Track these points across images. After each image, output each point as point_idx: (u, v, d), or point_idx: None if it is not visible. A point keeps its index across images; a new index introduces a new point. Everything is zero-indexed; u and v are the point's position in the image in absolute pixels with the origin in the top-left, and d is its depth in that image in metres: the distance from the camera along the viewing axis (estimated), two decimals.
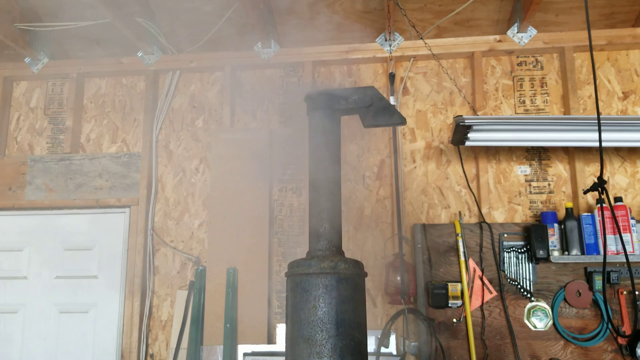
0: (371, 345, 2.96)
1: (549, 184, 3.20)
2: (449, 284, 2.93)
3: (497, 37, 3.31)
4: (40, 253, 3.47)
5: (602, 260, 2.02)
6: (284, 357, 2.98)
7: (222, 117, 3.49)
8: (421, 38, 3.31)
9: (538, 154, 3.24)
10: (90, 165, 3.52)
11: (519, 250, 2.99)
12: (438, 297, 2.90)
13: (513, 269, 2.98)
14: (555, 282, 2.94)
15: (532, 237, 2.89)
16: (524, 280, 2.95)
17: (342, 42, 3.44)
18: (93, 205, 3.46)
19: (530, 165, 3.23)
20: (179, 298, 3.27)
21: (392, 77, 3.36)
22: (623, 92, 3.26)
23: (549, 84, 3.32)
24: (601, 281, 2.82)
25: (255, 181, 3.27)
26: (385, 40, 3.38)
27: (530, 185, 3.20)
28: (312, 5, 3.25)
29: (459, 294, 2.92)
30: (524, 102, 3.32)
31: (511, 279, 2.97)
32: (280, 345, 3.08)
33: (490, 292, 2.96)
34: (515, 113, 3.31)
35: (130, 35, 3.33)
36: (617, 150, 3.18)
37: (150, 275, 3.34)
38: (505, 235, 3.02)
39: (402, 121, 2.35)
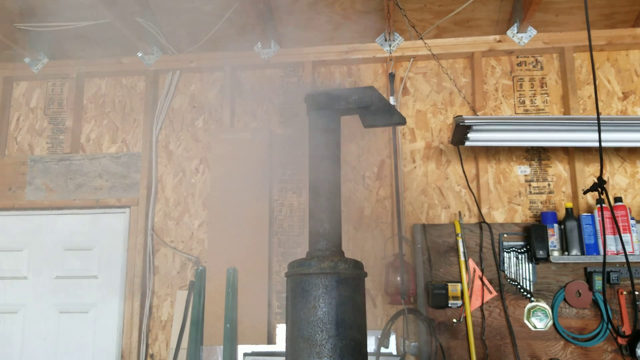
0: (371, 346, 2.96)
1: (549, 184, 3.20)
2: (449, 284, 2.93)
3: (497, 37, 3.31)
4: (40, 253, 3.47)
5: (602, 261, 2.02)
6: (284, 357, 2.98)
7: (222, 117, 3.49)
8: (421, 38, 3.31)
9: (538, 154, 3.24)
10: (90, 166, 3.52)
11: (519, 251, 2.99)
12: (438, 297, 2.90)
13: (513, 269, 2.98)
14: (555, 282, 2.94)
15: (532, 237, 2.89)
16: (524, 280, 2.95)
17: (342, 42, 3.44)
18: (93, 206, 3.46)
19: (530, 165, 3.23)
20: (179, 298, 3.27)
21: (392, 77, 3.36)
22: (623, 93, 3.26)
23: (549, 84, 3.32)
24: (601, 281, 2.83)
25: (255, 181, 3.27)
26: (385, 40, 3.38)
27: (530, 185, 3.21)
28: (312, 5, 3.25)
29: (459, 294, 2.92)
30: (523, 102, 3.32)
31: (511, 279, 2.97)
32: (280, 345, 3.08)
33: (490, 292, 2.96)
34: (515, 113, 3.31)
35: (130, 35, 3.34)
36: (617, 151, 3.18)
37: (150, 276, 3.34)
38: (505, 235, 3.02)
39: (402, 121, 2.35)
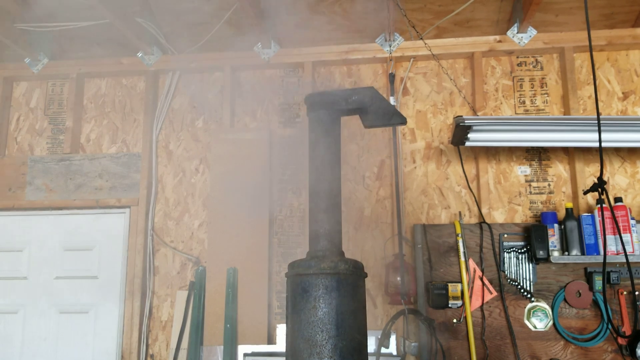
0: (371, 346, 2.96)
1: (549, 185, 3.20)
2: (449, 284, 2.93)
3: (497, 37, 3.31)
4: (40, 253, 3.47)
5: (602, 261, 2.02)
6: (284, 358, 2.98)
7: (222, 117, 3.49)
8: (421, 38, 3.31)
9: (538, 155, 3.24)
10: (90, 166, 3.52)
11: (519, 251, 2.99)
12: (438, 297, 2.90)
13: (513, 269, 2.98)
14: (555, 283, 2.94)
15: (532, 237, 2.89)
16: (524, 280, 2.95)
17: (342, 43, 3.44)
18: (93, 206, 3.46)
19: (530, 165, 3.23)
20: (179, 298, 3.27)
21: (392, 77, 3.36)
22: (623, 93, 3.26)
23: (549, 84, 3.32)
24: (601, 281, 2.82)
25: (255, 181, 3.27)
26: (385, 40, 3.38)
27: (530, 185, 3.20)
28: (312, 5, 3.25)
29: (459, 295, 2.92)
30: (524, 102, 3.32)
31: (511, 279, 2.97)
32: (280, 345, 3.08)
33: (491, 293, 2.96)
34: (515, 113, 3.31)
35: (130, 36, 3.33)
36: (617, 151, 3.18)
37: (150, 276, 3.34)
38: (506, 235, 3.02)
39: (403, 121, 2.34)
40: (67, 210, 3.49)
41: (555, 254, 2.90)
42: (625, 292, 2.87)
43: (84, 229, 3.47)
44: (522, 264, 2.98)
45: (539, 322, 2.91)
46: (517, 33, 3.26)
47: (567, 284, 2.92)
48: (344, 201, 3.05)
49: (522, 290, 2.94)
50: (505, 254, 3.00)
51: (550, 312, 2.91)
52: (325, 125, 2.21)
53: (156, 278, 3.36)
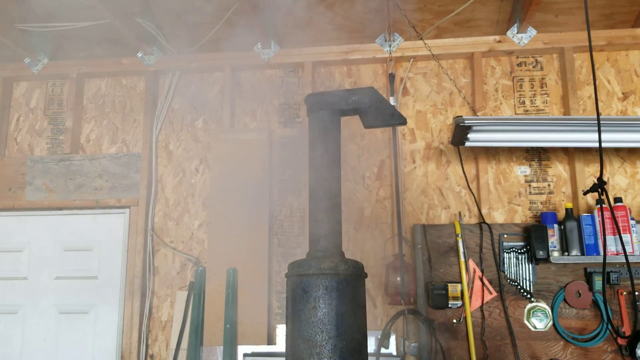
0: (371, 346, 2.96)
1: (549, 185, 3.20)
2: (449, 284, 2.93)
3: (497, 37, 3.31)
4: (40, 253, 3.47)
5: (602, 261, 2.02)
6: (284, 358, 2.98)
7: (222, 117, 3.49)
8: (421, 39, 3.31)
9: (538, 155, 3.24)
10: (90, 166, 3.52)
11: (519, 251, 2.99)
12: (438, 297, 2.90)
13: (513, 269, 2.98)
14: (555, 283, 2.94)
15: (532, 237, 2.89)
16: (524, 280, 2.95)
17: (342, 43, 3.44)
18: (93, 206, 3.46)
19: (530, 165, 3.23)
20: (179, 299, 3.27)
21: (392, 77, 3.36)
22: (623, 93, 3.26)
23: (549, 85, 3.32)
24: (601, 282, 2.83)
25: (255, 181, 3.27)
26: (385, 40, 3.38)
27: (530, 185, 3.21)
28: (312, 5, 3.25)
29: (459, 295, 2.92)
30: (523, 102, 3.32)
31: (511, 280, 2.97)
32: (280, 346, 3.08)
33: (490, 293, 2.96)
34: (515, 114, 3.31)
35: (130, 36, 3.34)
36: (617, 151, 3.18)
37: (150, 276, 3.34)
38: (505, 235, 3.02)
39: (403, 121, 2.34)
40: (67, 210, 3.49)
41: (555, 254, 2.90)
42: (625, 293, 2.87)
43: (83, 229, 3.47)
44: (522, 264, 2.98)
45: (539, 323, 2.91)
46: (517, 33, 3.26)
47: (567, 284, 2.92)
48: (344, 201, 3.06)
49: (522, 291, 2.95)
50: (505, 254, 3.00)
51: (550, 313, 2.91)
52: (325, 125, 2.21)
53: (156, 278, 3.36)
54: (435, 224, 3.18)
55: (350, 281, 1.95)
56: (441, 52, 3.34)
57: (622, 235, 2.83)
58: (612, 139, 2.86)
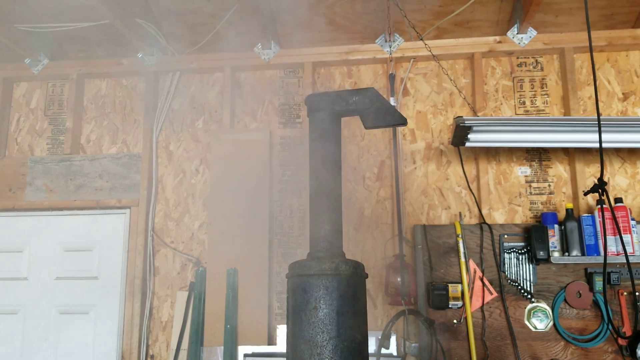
0: (372, 347, 2.96)
1: (549, 185, 3.20)
2: (450, 285, 2.93)
3: (497, 38, 3.31)
4: (41, 254, 3.47)
5: (603, 261, 2.02)
6: (284, 359, 2.98)
7: (222, 118, 3.49)
8: (421, 39, 3.31)
9: (538, 155, 3.24)
10: (90, 166, 3.52)
11: (520, 251, 2.99)
12: (438, 298, 2.90)
13: (513, 269, 2.98)
14: (555, 283, 2.94)
15: (533, 238, 2.89)
16: (525, 281, 2.95)
17: (342, 43, 3.44)
18: (93, 206, 3.46)
19: (531, 166, 3.23)
20: (179, 299, 3.26)
21: (392, 78, 3.36)
22: (623, 93, 3.26)
23: (549, 85, 3.32)
24: (601, 282, 2.83)
25: (255, 182, 3.27)
26: (385, 41, 3.38)
27: (530, 186, 3.21)
28: (312, 6, 3.25)
29: (460, 295, 2.92)
30: (524, 103, 3.32)
31: (511, 280, 2.97)
32: (280, 346, 3.08)
33: (491, 293, 2.96)
34: (516, 114, 3.31)
35: (131, 36, 3.34)
36: (617, 151, 3.18)
37: (150, 276, 3.34)
38: (506, 236, 3.02)
39: (403, 122, 2.34)
40: (68, 210, 3.49)
41: (556, 254, 2.90)
42: (625, 293, 2.87)
43: (84, 230, 3.47)
44: (522, 264, 2.98)
45: (539, 323, 2.91)
46: (517, 34, 3.26)
47: (568, 284, 2.92)
48: (344, 202, 3.05)
49: (522, 291, 2.94)
50: (506, 255, 3.00)
51: (551, 313, 2.91)
52: (326, 126, 2.21)
53: (156, 279, 3.36)
54: (436, 224, 3.18)
55: (351, 282, 1.95)
56: (441, 53, 3.34)
57: (623, 235, 2.83)
58: (613, 139, 2.86)
